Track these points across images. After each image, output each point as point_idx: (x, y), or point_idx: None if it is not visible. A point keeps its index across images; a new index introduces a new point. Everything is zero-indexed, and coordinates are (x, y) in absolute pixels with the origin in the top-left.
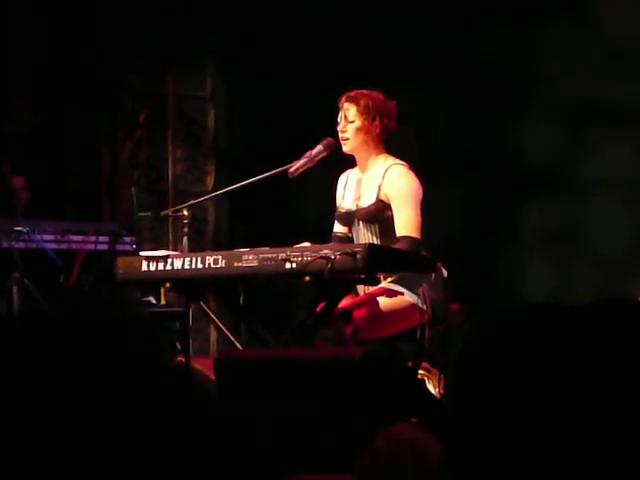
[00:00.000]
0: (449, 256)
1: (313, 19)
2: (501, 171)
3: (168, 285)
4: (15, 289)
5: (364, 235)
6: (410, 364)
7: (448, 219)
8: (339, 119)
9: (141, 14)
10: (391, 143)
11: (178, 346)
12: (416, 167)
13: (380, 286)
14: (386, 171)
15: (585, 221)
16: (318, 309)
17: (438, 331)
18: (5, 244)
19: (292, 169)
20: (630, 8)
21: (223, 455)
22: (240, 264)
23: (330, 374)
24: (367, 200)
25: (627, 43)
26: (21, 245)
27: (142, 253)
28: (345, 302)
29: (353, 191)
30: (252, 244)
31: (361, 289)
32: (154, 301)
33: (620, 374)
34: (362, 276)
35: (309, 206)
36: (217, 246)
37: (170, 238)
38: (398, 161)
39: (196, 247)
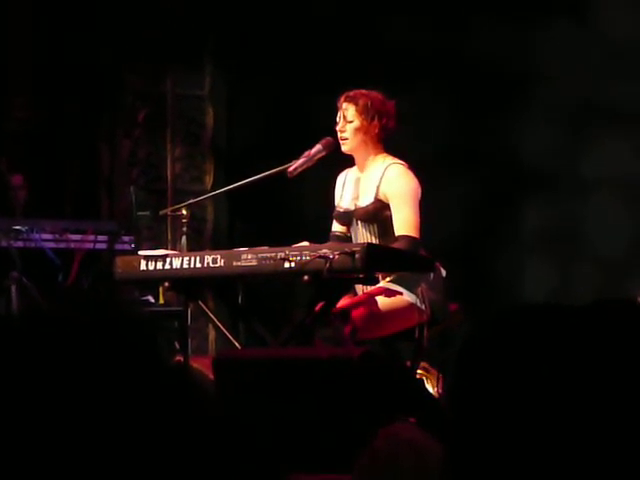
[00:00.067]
0: (448, 256)
1: (313, 19)
2: (501, 171)
3: (167, 284)
4: (14, 288)
5: (362, 235)
6: (409, 364)
7: (447, 219)
8: (338, 119)
9: (141, 14)
10: (391, 143)
11: (177, 345)
12: (416, 167)
13: (379, 286)
14: (385, 170)
15: (585, 221)
16: (317, 308)
17: (437, 331)
18: (4, 243)
19: (291, 168)
20: (630, 8)
21: (222, 455)
22: (239, 263)
23: (329, 374)
24: (366, 200)
25: (627, 43)
26: (19, 244)
27: (141, 252)
28: (344, 302)
29: (351, 190)
30: (251, 243)
31: (360, 289)
32: (153, 300)
33: (620, 374)
34: (361, 276)
35: (308, 205)
36: (216, 245)
37: (169, 237)
38: (397, 160)
39: (195, 246)
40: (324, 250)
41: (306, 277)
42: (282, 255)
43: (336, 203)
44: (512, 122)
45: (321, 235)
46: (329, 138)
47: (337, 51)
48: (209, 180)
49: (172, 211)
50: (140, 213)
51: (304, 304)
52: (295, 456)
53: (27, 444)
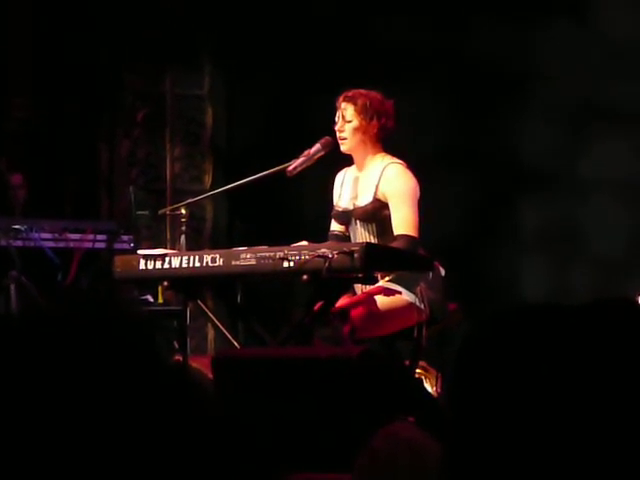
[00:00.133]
0: (447, 255)
1: (313, 19)
2: (500, 171)
3: (166, 284)
4: (13, 287)
5: (361, 234)
6: (407, 363)
7: (447, 218)
8: (336, 119)
9: (140, 14)
10: (391, 143)
11: (176, 345)
12: (415, 167)
13: (378, 285)
14: (383, 170)
15: (584, 221)
16: (316, 308)
17: (436, 330)
18: (3, 242)
19: (290, 168)
20: (630, 8)
21: (222, 455)
22: (238, 263)
23: (328, 373)
24: (364, 199)
25: (627, 43)
26: (19, 243)
27: (140, 251)
28: (343, 301)
29: (350, 190)
30: (250, 243)
31: (359, 288)
32: (152, 299)
33: (619, 374)
34: (360, 275)
35: (307, 205)
36: (215, 245)
37: (168, 236)
38: (395, 160)
39: (194, 246)
40: (323, 249)
41: (305, 276)
42: (281, 254)
43: (334, 202)
44: (512, 122)
45: (320, 234)
46: (328, 137)
47: (337, 51)
48: (208, 180)
49: (171, 210)
50: (139, 212)
51: (303, 303)
52: (294, 455)
53: (26, 444)
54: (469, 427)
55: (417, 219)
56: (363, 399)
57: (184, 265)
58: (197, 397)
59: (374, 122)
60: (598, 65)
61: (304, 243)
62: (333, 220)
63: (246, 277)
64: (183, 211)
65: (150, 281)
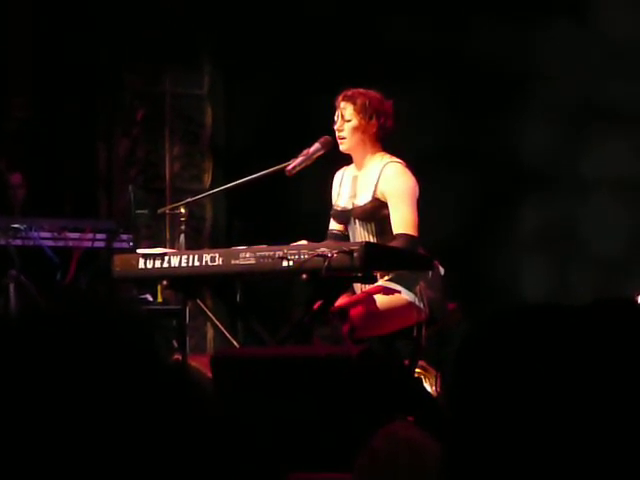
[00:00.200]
0: (447, 254)
1: (313, 19)
2: (500, 170)
3: (165, 283)
4: (12, 286)
5: (360, 233)
6: (407, 362)
7: (447, 218)
8: (336, 118)
9: (140, 14)
10: (390, 142)
11: (175, 344)
12: (415, 166)
13: (377, 284)
14: (382, 169)
15: (584, 221)
16: (315, 307)
17: (435, 329)
18: (2, 241)
19: (289, 167)
20: (630, 8)
21: (221, 454)
22: (237, 262)
23: (327, 372)
24: (363, 198)
25: (627, 43)
26: (18, 242)
27: (139, 251)
28: (342, 300)
29: (349, 189)
30: (249, 242)
31: (358, 287)
32: (151, 299)
33: (618, 374)
34: (359, 274)
35: (306, 204)
36: (214, 244)
37: (167, 236)
38: (394, 159)
39: (193, 245)
40: (322, 249)
41: (304, 276)
42: (280, 254)
43: (333, 202)
44: (512, 122)
45: (319, 234)
46: (327, 137)
47: (337, 51)
48: (207, 179)
49: (170, 210)
50: (139, 212)
51: (302, 302)
52: (294, 455)
53: (25, 443)
54: (468, 426)
55: (416, 218)
56: (363, 398)
57: (183, 264)
58: (196, 396)
59: (373, 121)
60: (598, 65)
61: (303, 242)
62: (332, 219)
63: (245, 276)
64: (182, 210)
65: (149, 280)
